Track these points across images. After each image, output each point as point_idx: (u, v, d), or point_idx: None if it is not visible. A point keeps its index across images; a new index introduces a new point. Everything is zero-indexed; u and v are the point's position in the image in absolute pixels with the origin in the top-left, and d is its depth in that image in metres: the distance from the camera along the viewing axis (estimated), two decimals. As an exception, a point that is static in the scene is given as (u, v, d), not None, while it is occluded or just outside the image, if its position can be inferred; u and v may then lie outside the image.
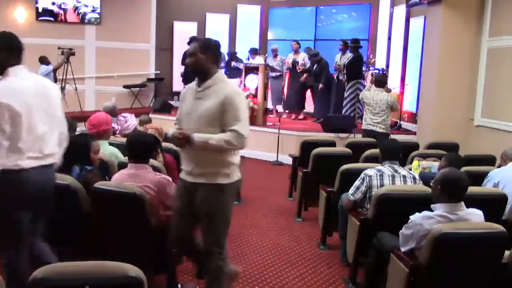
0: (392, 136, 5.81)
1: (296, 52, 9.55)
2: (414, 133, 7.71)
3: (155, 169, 3.24)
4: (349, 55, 8.42)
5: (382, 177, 3.45)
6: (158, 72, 11.05)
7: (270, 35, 11.42)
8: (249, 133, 2.65)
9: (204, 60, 2.69)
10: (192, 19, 11.19)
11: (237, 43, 11.27)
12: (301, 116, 9.61)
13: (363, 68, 8.70)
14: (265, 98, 8.64)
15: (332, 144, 5.62)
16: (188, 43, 7.89)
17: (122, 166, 3.39)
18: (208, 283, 2.89)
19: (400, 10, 8.87)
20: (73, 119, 4.33)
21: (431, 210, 2.72)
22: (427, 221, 2.64)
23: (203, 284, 2.99)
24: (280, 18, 11.32)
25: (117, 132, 4.68)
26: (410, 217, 2.74)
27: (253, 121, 8.22)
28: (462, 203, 2.68)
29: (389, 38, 9.41)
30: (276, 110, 9.89)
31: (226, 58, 10.10)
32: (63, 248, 3.24)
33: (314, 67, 9.05)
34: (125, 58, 10.58)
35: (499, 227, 2.58)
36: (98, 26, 10.64)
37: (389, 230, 3.06)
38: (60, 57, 8.94)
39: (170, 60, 11.32)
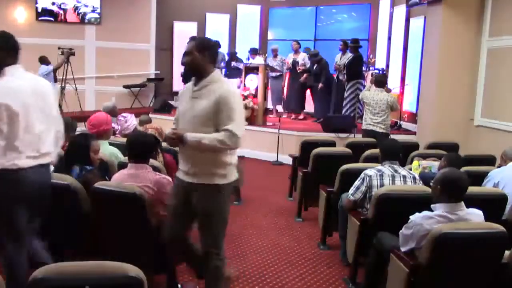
0: (392, 136, 5.80)
1: (296, 52, 9.54)
2: (414, 133, 7.71)
3: (155, 169, 3.24)
4: (349, 55, 8.42)
5: (382, 177, 3.45)
6: (158, 72, 11.06)
7: (270, 35, 11.42)
8: (243, 133, 2.62)
9: (201, 59, 2.68)
10: (192, 19, 11.19)
11: (237, 43, 11.27)
12: (301, 116, 9.61)
13: (363, 68, 8.70)
14: (265, 98, 8.64)
15: (332, 144, 5.62)
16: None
17: (122, 166, 3.39)
18: (207, 283, 2.88)
19: (400, 10, 8.87)
20: (73, 119, 4.33)
21: (431, 210, 2.72)
22: (427, 221, 2.64)
23: (203, 284, 2.99)
24: (280, 18, 11.32)
25: (117, 132, 4.68)
26: (410, 217, 2.74)
27: (253, 121, 8.24)
28: (462, 203, 2.68)
29: (389, 38, 9.41)
30: (276, 110, 9.89)
31: (226, 58, 10.11)
32: (63, 248, 3.25)
33: (314, 67, 9.05)
34: (125, 58, 10.59)
35: (499, 227, 2.58)
36: (98, 26, 10.64)
37: (389, 230, 3.06)
38: (60, 57, 8.94)
39: (170, 60, 11.32)
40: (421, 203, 2.90)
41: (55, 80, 8.88)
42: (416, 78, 8.02)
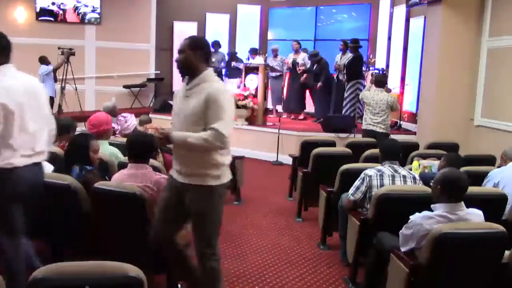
0: (392, 136, 5.80)
1: (297, 52, 9.54)
2: (414, 133, 7.71)
3: (155, 169, 3.24)
4: (349, 55, 8.42)
5: (382, 177, 3.45)
6: (158, 72, 11.05)
7: (270, 35, 11.42)
8: (231, 132, 2.57)
9: (193, 57, 2.67)
10: (192, 19, 11.18)
11: (237, 43, 11.26)
12: (301, 116, 9.62)
13: (363, 68, 8.70)
14: (265, 98, 8.64)
15: (332, 144, 5.62)
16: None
17: (122, 166, 3.39)
18: (203, 285, 2.82)
19: (400, 10, 8.87)
20: (73, 119, 4.34)
21: (431, 210, 2.72)
22: (427, 221, 2.64)
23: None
24: (280, 18, 11.33)
25: (117, 132, 4.68)
26: (410, 217, 2.74)
27: (253, 121, 8.26)
28: (462, 203, 2.68)
29: (389, 38, 9.41)
30: (276, 110, 9.89)
31: (226, 58, 10.11)
32: (63, 248, 3.25)
33: (314, 67, 9.06)
34: (125, 58, 10.59)
35: (499, 227, 2.58)
36: (98, 26, 10.64)
37: (389, 230, 3.06)
38: (60, 57, 8.94)
39: (170, 60, 11.29)
40: (421, 203, 2.90)
41: (55, 80, 8.89)
42: (416, 78, 8.02)
